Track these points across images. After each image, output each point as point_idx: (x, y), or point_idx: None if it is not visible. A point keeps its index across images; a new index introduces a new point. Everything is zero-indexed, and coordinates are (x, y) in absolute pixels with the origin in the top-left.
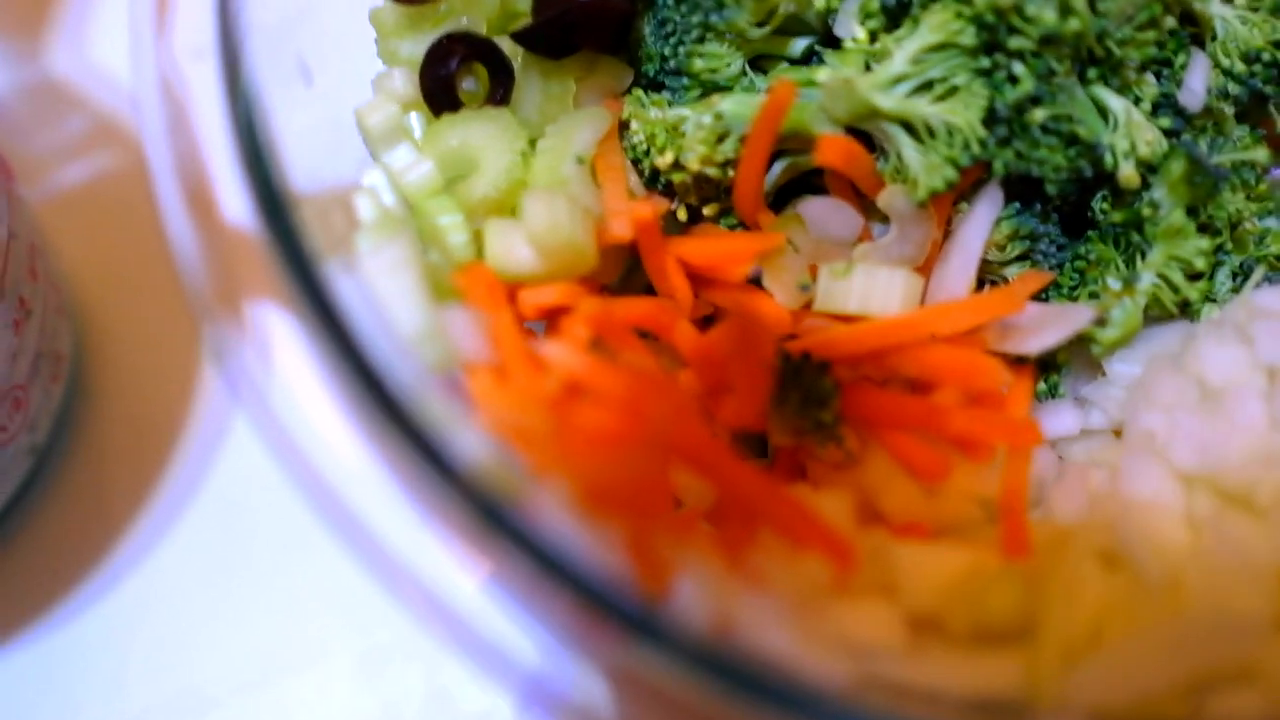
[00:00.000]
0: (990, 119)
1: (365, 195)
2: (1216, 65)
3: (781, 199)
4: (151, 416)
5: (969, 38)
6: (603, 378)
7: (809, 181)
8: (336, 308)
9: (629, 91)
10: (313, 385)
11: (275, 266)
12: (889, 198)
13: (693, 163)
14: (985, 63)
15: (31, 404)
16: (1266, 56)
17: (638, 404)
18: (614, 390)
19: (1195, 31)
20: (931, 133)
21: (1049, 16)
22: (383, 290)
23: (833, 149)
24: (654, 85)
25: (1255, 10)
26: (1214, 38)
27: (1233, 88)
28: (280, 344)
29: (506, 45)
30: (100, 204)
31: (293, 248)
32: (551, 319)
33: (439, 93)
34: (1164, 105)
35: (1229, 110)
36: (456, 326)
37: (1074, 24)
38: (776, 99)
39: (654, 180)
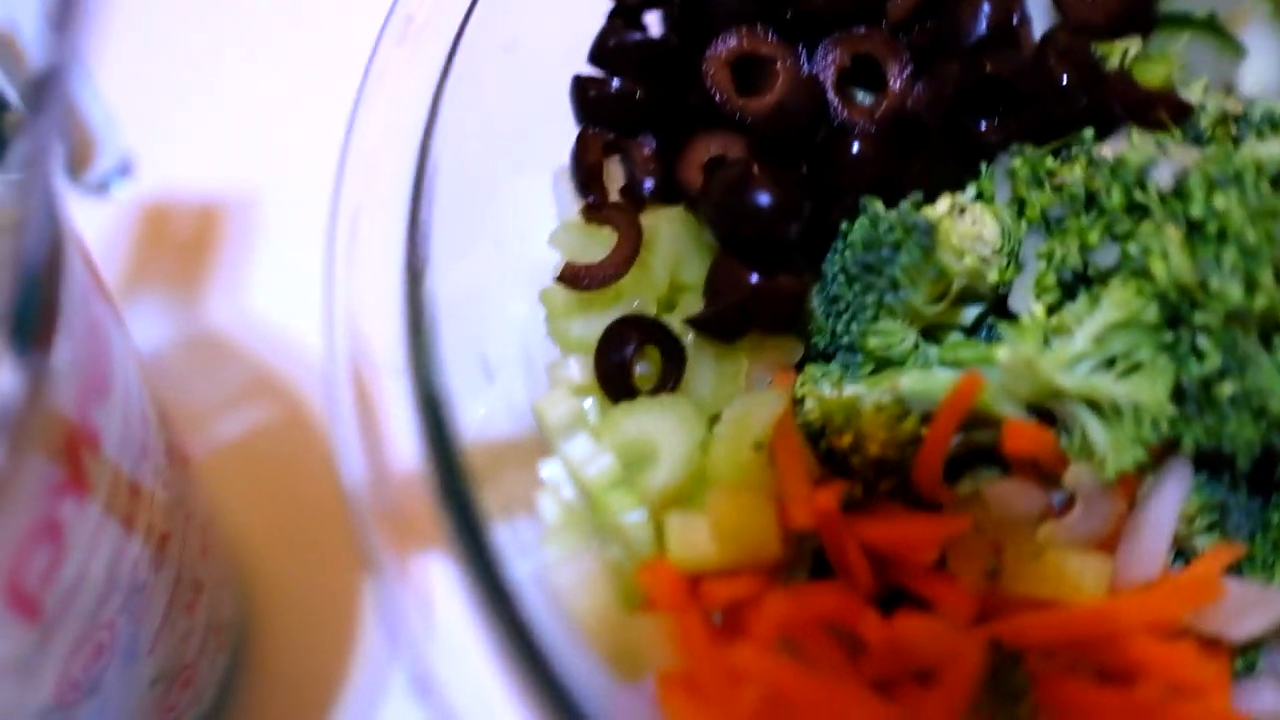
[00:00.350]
0: (1177, 394)
1: (548, 494)
2: None
3: (954, 466)
4: (312, 675)
5: (1151, 314)
6: (803, 689)
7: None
8: (521, 618)
9: (800, 365)
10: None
11: (462, 571)
12: (1075, 477)
13: (873, 447)
14: (1169, 337)
15: (199, 678)
16: None
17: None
18: (815, 701)
19: None
20: (1118, 411)
21: (1234, 292)
22: (574, 605)
23: (1020, 438)
24: (824, 356)
25: None
26: None
27: None
28: (444, 606)
29: (675, 322)
30: (257, 457)
31: (478, 550)
32: (733, 608)
33: (616, 380)
34: None
35: None
36: (648, 636)
37: (1261, 300)
38: (963, 390)
39: (829, 457)
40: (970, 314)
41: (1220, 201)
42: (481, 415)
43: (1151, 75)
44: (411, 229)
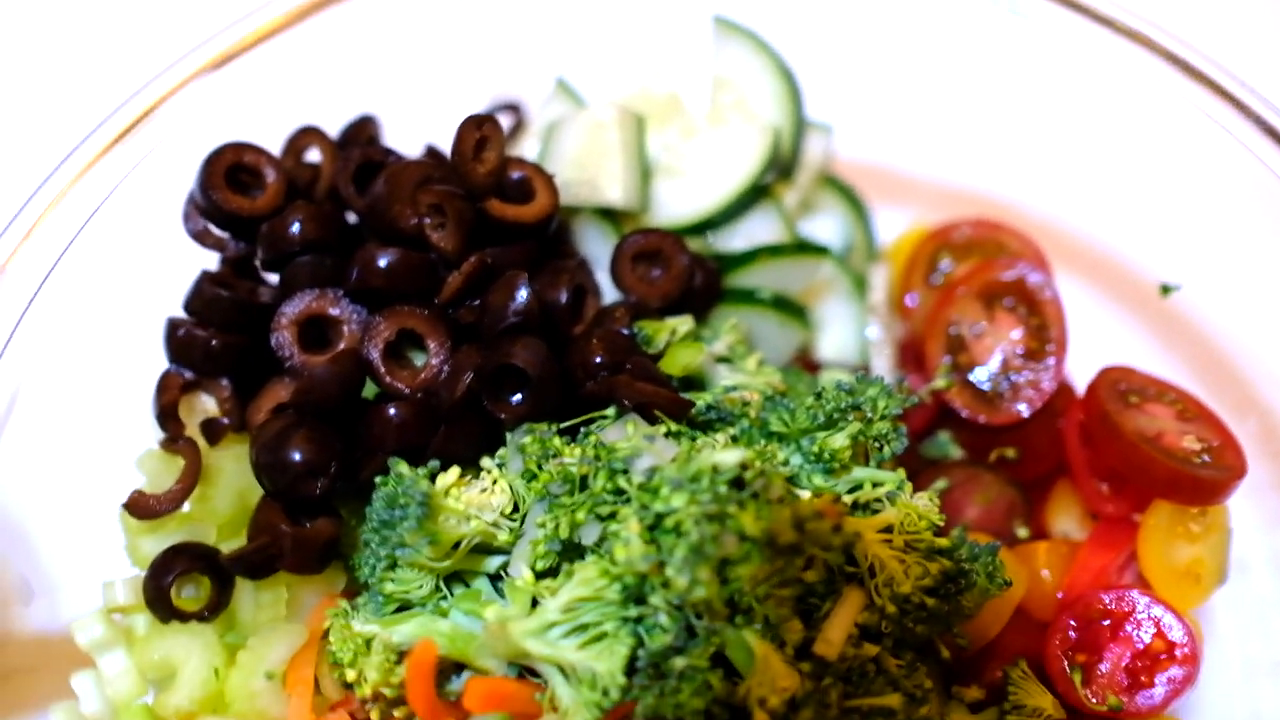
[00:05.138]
0: (633, 666)
1: (61, 710)
2: (871, 605)
3: None
4: None
5: (614, 592)
6: None
7: None
8: None
9: (343, 592)
10: None
11: None
12: None
13: (368, 685)
14: (634, 611)
15: None
16: (915, 599)
17: None
18: None
19: (856, 571)
20: (578, 676)
21: (681, 583)
22: None
23: (477, 694)
24: (366, 587)
25: (911, 550)
26: (872, 575)
27: (885, 627)
28: None
29: None
30: None
31: None
32: None
33: (158, 603)
34: (808, 649)
35: (886, 645)
36: None
37: (699, 592)
38: (419, 658)
39: (353, 685)
40: (494, 562)
41: (676, 500)
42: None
43: (682, 359)
44: None
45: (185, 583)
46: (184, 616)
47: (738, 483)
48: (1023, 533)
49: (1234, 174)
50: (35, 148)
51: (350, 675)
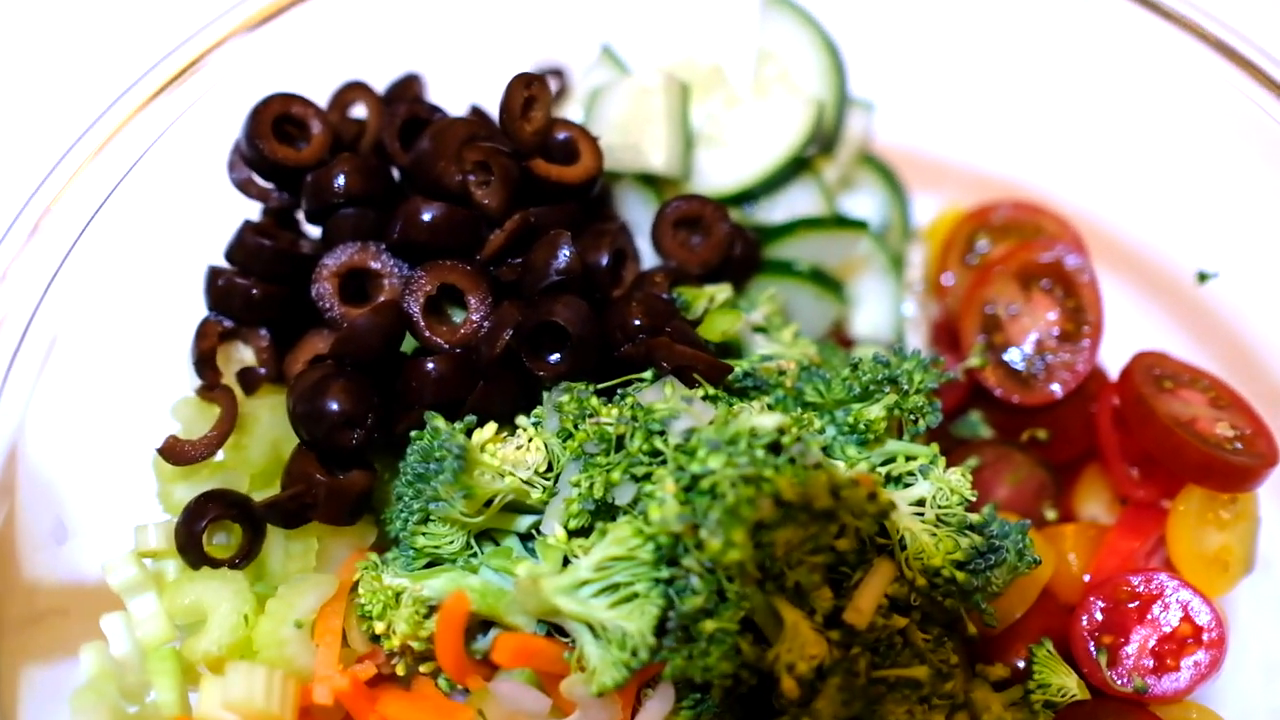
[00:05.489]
0: (663, 627)
1: (91, 650)
2: (901, 578)
3: None
4: None
5: (647, 552)
6: None
7: None
8: None
9: (373, 547)
10: None
11: None
12: (569, 686)
13: (396, 638)
14: (665, 573)
15: None
16: (946, 573)
17: None
18: None
19: (887, 543)
20: (609, 634)
21: (715, 544)
22: None
23: (507, 649)
24: (396, 542)
25: (943, 524)
26: (903, 548)
27: (915, 599)
28: None
29: None
30: None
31: None
32: None
33: (190, 549)
34: (837, 618)
35: (914, 619)
36: None
37: (733, 554)
38: (450, 610)
39: (379, 638)
40: (525, 522)
41: (713, 462)
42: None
43: (720, 325)
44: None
45: (217, 530)
46: (215, 563)
47: (775, 447)
48: (1051, 515)
49: (1270, 164)
50: (85, 91)
51: (379, 628)
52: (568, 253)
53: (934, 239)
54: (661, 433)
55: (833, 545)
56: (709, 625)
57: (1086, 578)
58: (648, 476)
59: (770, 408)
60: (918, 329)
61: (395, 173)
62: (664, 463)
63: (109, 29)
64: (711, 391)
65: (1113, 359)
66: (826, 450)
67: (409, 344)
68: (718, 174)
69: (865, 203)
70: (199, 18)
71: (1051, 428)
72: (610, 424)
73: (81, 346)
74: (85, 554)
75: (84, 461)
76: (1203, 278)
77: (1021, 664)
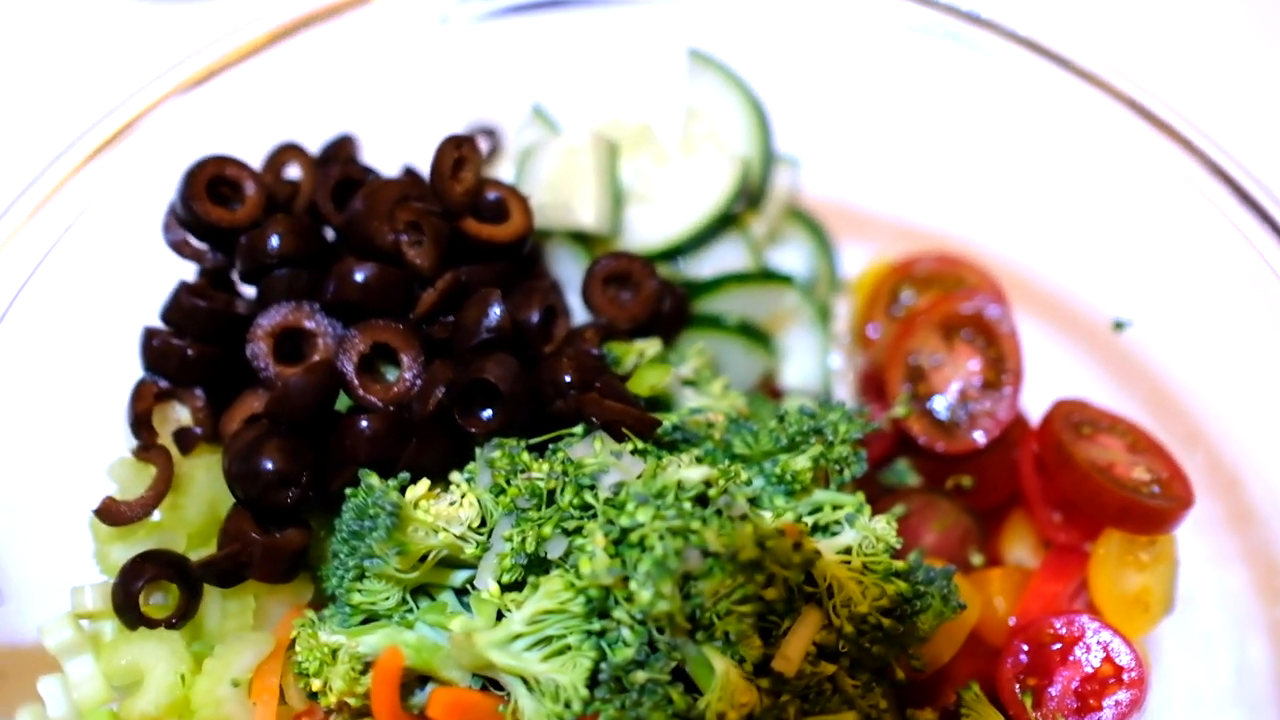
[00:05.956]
0: (595, 679)
1: (29, 713)
2: (829, 625)
3: None
4: None
5: (578, 605)
6: None
7: None
8: None
9: (311, 604)
10: None
11: None
12: None
13: (333, 695)
14: (597, 625)
15: None
16: (872, 620)
17: None
18: None
19: (815, 591)
20: (542, 687)
21: (645, 596)
22: None
23: (442, 703)
24: (333, 599)
25: (869, 571)
26: (830, 596)
27: (843, 646)
28: None
29: None
30: None
31: None
32: None
33: (127, 609)
34: (767, 666)
35: (843, 665)
36: None
37: (662, 605)
38: (384, 666)
39: (316, 694)
40: (460, 576)
41: (641, 515)
42: None
43: (649, 379)
44: None
45: (154, 590)
46: (152, 623)
47: (702, 499)
48: (977, 560)
49: (1183, 215)
50: (20, 154)
51: (315, 685)
52: (498, 311)
53: (860, 292)
54: (592, 487)
55: (760, 595)
56: (640, 676)
57: (1012, 621)
58: (579, 530)
59: (699, 460)
60: (845, 379)
61: (329, 233)
62: (594, 516)
63: (44, 91)
64: (640, 445)
65: (1036, 404)
66: (755, 501)
67: (343, 402)
68: (647, 230)
69: (793, 256)
70: (135, 79)
71: (976, 474)
72: (541, 479)
73: (17, 408)
74: (22, 616)
75: (20, 523)
76: (1119, 326)
77: (951, 707)
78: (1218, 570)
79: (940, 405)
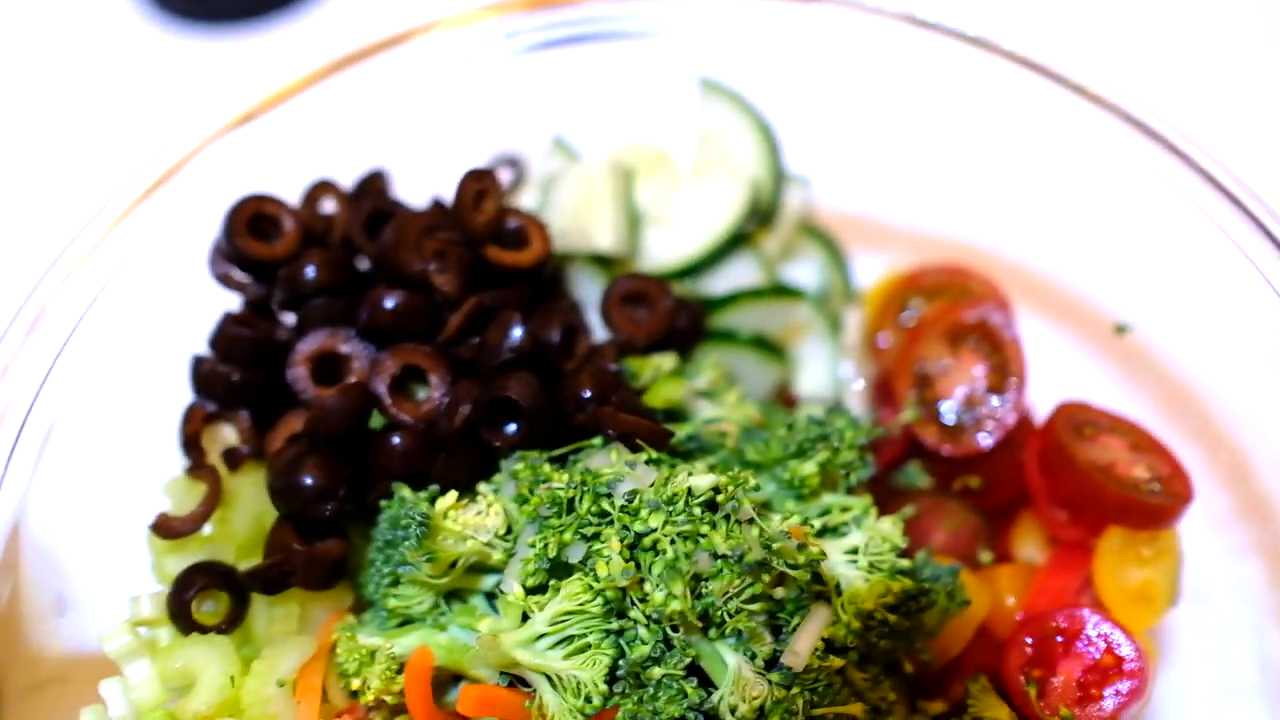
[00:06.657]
0: (614, 675)
1: (91, 714)
2: (837, 621)
3: None
4: None
5: (597, 606)
6: None
7: None
8: None
9: (351, 609)
10: None
11: None
12: None
13: (371, 693)
14: (615, 624)
15: None
16: (879, 615)
17: None
18: None
19: (823, 589)
20: (564, 683)
21: (658, 597)
22: None
23: (470, 700)
24: (371, 604)
25: (875, 570)
26: (838, 594)
27: (850, 641)
28: None
29: None
30: None
31: None
32: None
33: (180, 616)
34: (777, 661)
35: (852, 659)
36: None
37: (675, 605)
38: (415, 665)
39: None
40: (489, 581)
41: (654, 520)
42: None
43: (664, 393)
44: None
45: (205, 598)
46: (203, 629)
47: (711, 505)
48: (986, 557)
49: (1181, 223)
50: (78, 198)
51: (355, 684)
52: (519, 332)
53: (871, 303)
54: (608, 495)
55: (770, 593)
56: (656, 672)
57: (1020, 615)
58: (596, 536)
59: (712, 468)
60: (856, 387)
61: (363, 262)
62: (610, 523)
63: (97, 137)
64: (654, 455)
65: (1043, 404)
66: (767, 505)
67: (377, 420)
68: (663, 251)
69: (806, 270)
70: (180, 125)
71: (983, 475)
72: (561, 488)
73: (78, 433)
74: (84, 625)
75: (83, 539)
76: (1120, 330)
77: (960, 699)
78: (1234, 564)
79: (947, 410)
